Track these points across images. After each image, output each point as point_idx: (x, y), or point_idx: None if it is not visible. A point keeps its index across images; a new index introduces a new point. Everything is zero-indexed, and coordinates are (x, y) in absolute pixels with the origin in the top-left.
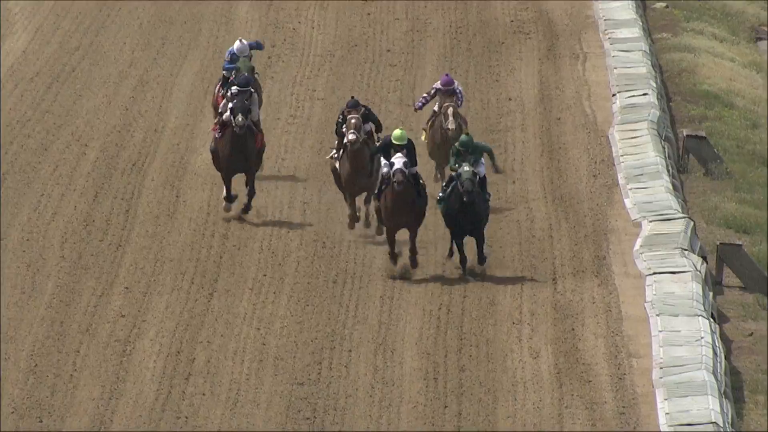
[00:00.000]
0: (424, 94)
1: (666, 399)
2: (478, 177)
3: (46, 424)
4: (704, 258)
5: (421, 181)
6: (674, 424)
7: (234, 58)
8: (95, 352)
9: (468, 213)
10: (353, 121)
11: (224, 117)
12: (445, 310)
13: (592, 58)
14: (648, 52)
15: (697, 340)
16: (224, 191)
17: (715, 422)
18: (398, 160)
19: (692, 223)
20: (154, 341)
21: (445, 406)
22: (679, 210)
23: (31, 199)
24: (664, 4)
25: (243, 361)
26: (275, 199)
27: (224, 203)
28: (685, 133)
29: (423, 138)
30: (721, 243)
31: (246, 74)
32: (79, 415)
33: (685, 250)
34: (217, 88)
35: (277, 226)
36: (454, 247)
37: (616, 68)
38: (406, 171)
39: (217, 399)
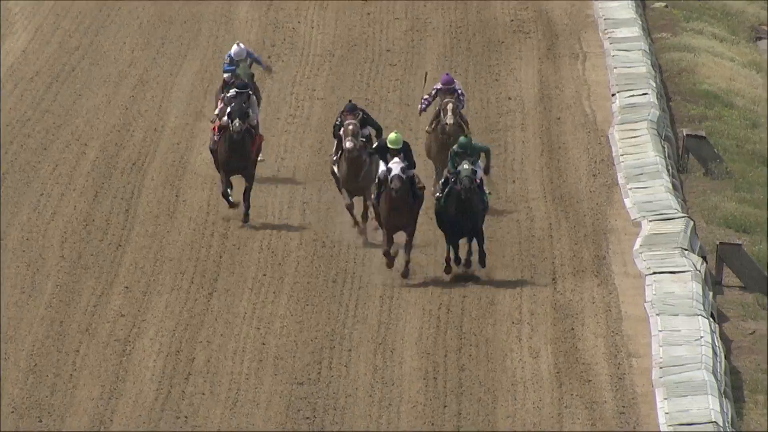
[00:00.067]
0: (426, 96)
1: (666, 398)
2: (476, 172)
3: (46, 423)
4: (704, 258)
5: (418, 184)
6: (674, 424)
7: (232, 61)
8: (95, 351)
9: (466, 212)
10: (350, 127)
11: (222, 121)
12: (445, 309)
13: (592, 57)
14: (648, 51)
15: (696, 340)
16: (221, 186)
17: (714, 422)
18: (395, 165)
19: (692, 223)
20: (153, 341)
21: (445, 406)
22: (679, 210)
23: (30, 199)
24: (663, 4)
25: (243, 360)
26: (275, 199)
27: (225, 200)
28: (684, 133)
29: (426, 140)
30: (720, 243)
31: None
32: (79, 414)
33: (685, 249)
34: (220, 90)
35: (277, 225)
36: (451, 254)
37: (615, 68)
38: (404, 176)
39: (216, 399)
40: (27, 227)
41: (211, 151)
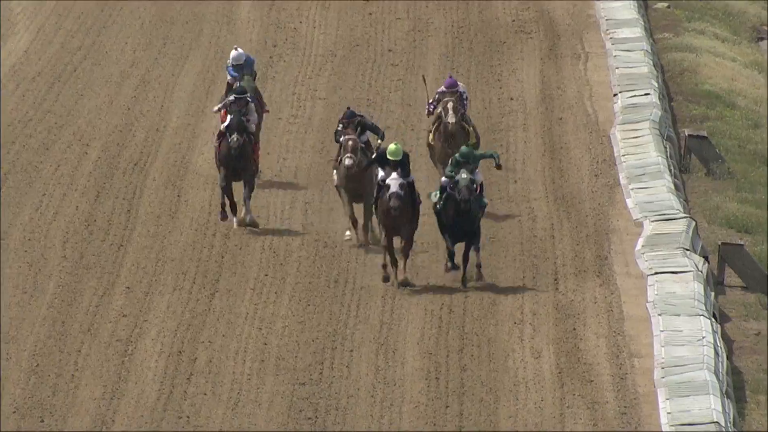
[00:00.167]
0: (430, 100)
1: (667, 399)
2: (475, 184)
3: (48, 424)
4: (706, 258)
5: (416, 192)
6: (676, 424)
7: (236, 67)
8: (97, 351)
9: (463, 220)
10: (350, 143)
11: (222, 129)
12: (447, 309)
13: (594, 57)
14: (650, 51)
15: (698, 340)
16: (222, 198)
17: (716, 422)
18: (393, 182)
19: (694, 223)
20: (155, 341)
21: (447, 406)
22: (681, 210)
23: (32, 199)
24: (665, 4)
25: (245, 361)
26: (277, 199)
27: (220, 214)
28: (686, 133)
29: (429, 139)
30: (722, 243)
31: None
32: (81, 414)
33: (687, 249)
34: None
35: (279, 225)
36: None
37: (617, 68)
38: (402, 193)
39: (218, 399)
40: (29, 227)
41: (215, 150)
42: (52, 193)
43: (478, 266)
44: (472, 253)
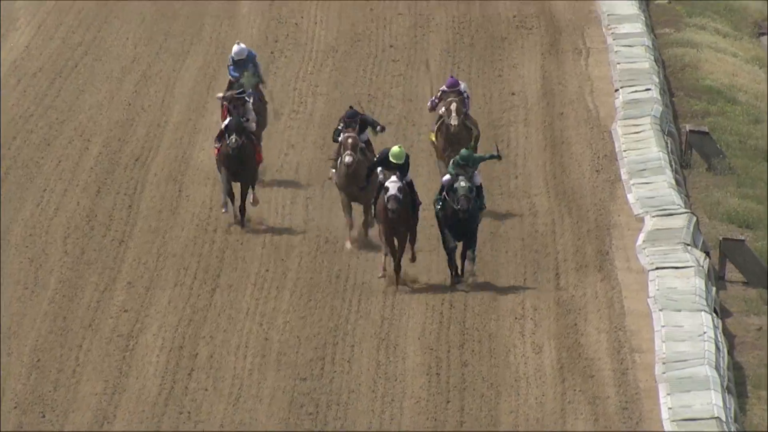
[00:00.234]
0: (432, 98)
1: (669, 394)
2: (473, 189)
3: (49, 419)
4: (707, 253)
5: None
6: (677, 419)
7: (236, 65)
8: (98, 347)
9: (461, 224)
10: (350, 141)
11: (221, 129)
12: (448, 305)
13: (595, 53)
14: (651, 47)
15: (699, 335)
16: (222, 197)
17: (717, 417)
18: (392, 185)
19: (695, 219)
20: (156, 336)
21: (448, 401)
22: (682, 205)
23: (33, 195)
24: (666, 0)
25: (246, 356)
26: (278, 194)
27: (223, 208)
28: (687, 129)
29: (432, 138)
30: (723, 238)
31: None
32: (82, 410)
33: (688, 245)
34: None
35: (280, 221)
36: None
37: (618, 63)
38: (401, 196)
39: (219, 394)
40: (30, 223)
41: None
42: (53, 189)
43: (473, 274)
44: (467, 263)
